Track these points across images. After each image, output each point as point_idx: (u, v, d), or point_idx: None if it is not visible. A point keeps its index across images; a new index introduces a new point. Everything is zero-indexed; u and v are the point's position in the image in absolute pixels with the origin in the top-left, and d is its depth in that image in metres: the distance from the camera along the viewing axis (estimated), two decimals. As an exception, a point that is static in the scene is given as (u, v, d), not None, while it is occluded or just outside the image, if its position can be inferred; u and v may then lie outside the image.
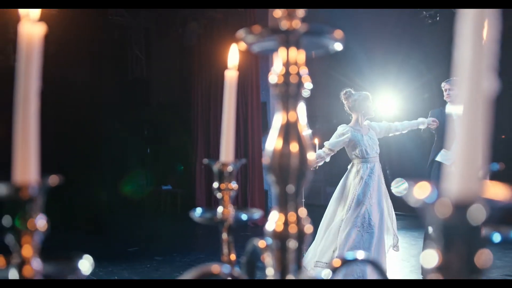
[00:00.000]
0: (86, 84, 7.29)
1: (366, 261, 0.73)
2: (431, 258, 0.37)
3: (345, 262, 0.69)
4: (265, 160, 0.62)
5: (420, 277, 4.52)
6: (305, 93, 0.62)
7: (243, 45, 0.63)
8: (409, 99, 7.79)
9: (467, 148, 0.37)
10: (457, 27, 0.39)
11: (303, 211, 0.62)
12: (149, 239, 6.89)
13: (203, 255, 5.74)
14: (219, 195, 0.86)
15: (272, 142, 0.61)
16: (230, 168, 0.86)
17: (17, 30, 0.50)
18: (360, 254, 0.71)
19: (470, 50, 0.38)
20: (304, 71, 0.62)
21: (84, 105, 7.47)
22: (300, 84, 0.61)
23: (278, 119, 0.62)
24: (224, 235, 0.84)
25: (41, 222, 0.49)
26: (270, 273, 0.62)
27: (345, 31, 0.67)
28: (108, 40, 8.91)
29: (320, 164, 3.97)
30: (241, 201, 8.20)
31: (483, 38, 0.38)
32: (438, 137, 4.46)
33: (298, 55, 0.61)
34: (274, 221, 0.61)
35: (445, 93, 4.43)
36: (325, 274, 0.66)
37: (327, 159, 3.98)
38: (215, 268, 0.69)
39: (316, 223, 3.42)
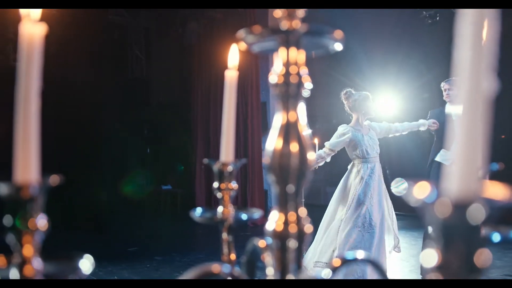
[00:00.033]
0: (86, 84, 7.29)
1: (366, 261, 0.73)
2: (431, 257, 0.37)
3: (345, 261, 0.69)
4: (265, 160, 0.62)
5: (419, 277, 4.52)
6: (305, 93, 0.62)
7: (243, 45, 0.63)
8: (409, 99, 7.80)
9: (466, 148, 0.37)
10: (457, 27, 0.39)
11: (303, 211, 0.62)
12: (149, 239, 6.89)
13: (203, 255, 5.74)
14: (219, 195, 0.86)
15: (272, 142, 0.61)
16: (230, 168, 0.86)
17: (17, 30, 0.50)
18: (360, 254, 0.71)
19: (470, 50, 0.38)
20: (304, 71, 0.62)
21: (84, 105, 7.46)
22: (300, 84, 0.61)
23: (278, 119, 0.62)
24: (224, 235, 0.84)
25: (42, 221, 0.49)
26: (270, 272, 0.62)
27: (345, 31, 0.67)
28: (108, 40, 8.91)
29: (321, 164, 3.96)
30: (241, 201, 8.20)
31: (483, 38, 0.38)
32: (437, 137, 4.46)
33: (298, 55, 0.61)
34: (274, 220, 0.61)
35: (444, 93, 4.43)
36: (325, 273, 0.66)
37: (328, 159, 3.97)
38: (216, 267, 0.69)
39: (316, 223, 3.42)
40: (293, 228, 0.60)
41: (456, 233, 0.36)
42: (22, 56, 0.49)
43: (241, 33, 0.61)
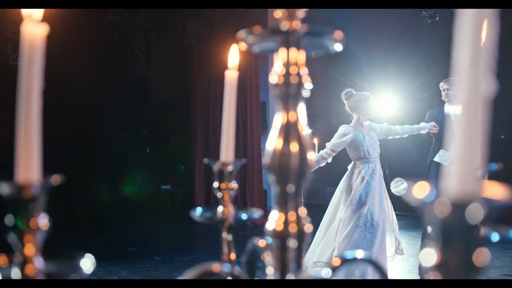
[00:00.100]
0: (86, 84, 7.29)
1: (366, 260, 0.74)
2: (430, 257, 0.38)
3: (345, 261, 0.70)
4: (266, 159, 0.62)
5: (418, 277, 4.53)
6: (305, 93, 0.63)
7: (243, 46, 0.63)
8: (409, 98, 7.80)
9: (465, 148, 0.37)
10: (456, 27, 0.39)
11: (303, 211, 0.62)
12: (149, 238, 6.89)
13: (202, 254, 5.74)
14: (219, 194, 0.86)
15: (273, 142, 0.62)
16: (230, 168, 0.86)
17: (17, 29, 0.50)
18: (360, 254, 0.71)
19: (469, 50, 0.38)
20: (304, 71, 0.62)
21: (84, 105, 7.47)
22: (300, 85, 0.61)
23: (278, 119, 0.62)
24: (224, 234, 0.84)
25: (43, 221, 0.49)
26: (270, 272, 0.63)
27: (345, 31, 0.68)
28: (108, 40, 8.91)
29: (323, 165, 3.95)
30: (240, 201, 8.21)
31: (482, 38, 0.38)
32: (436, 137, 4.45)
33: (298, 55, 0.62)
34: (274, 220, 0.62)
35: (443, 93, 4.43)
36: (325, 273, 0.67)
37: (329, 160, 3.96)
38: (216, 267, 0.69)
39: (315, 223, 3.42)
40: (293, 228, 0.61)
41: (455, 233, 0.36)
42: (24, 56, 0.50)
43: (241, 33, 0.61)
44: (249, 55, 0.91)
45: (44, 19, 0.51)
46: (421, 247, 4.57)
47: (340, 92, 4.09)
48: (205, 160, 0.92)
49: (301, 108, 0.62)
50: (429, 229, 0.38)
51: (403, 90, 7.84)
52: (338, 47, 0.63)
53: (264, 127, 8.25)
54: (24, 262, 0.48)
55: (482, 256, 0.36)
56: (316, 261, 3.82)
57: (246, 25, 7.46)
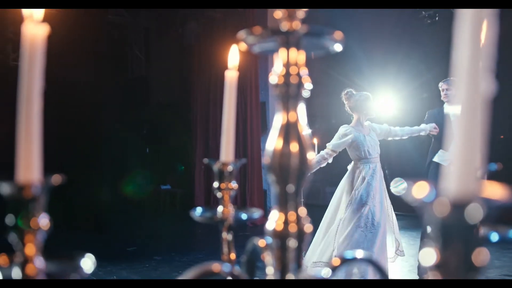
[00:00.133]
0: (86, 84, 7.29)
1: (366, 260, 0.74)
2: (430, 256, 0.38)
3: (345, 261, 0.70)
4: (266, 160, 0.62)
5: (417, 277, 4.53)
6: (305, 93, 0.63)
7: (243, 46, 0.63)
8: (408, 98, 7.79)
9: (465, 148, 0.37)
10: (456, 27, 0.39)
11: (303, 211, 0.62)
12: (148, 238, 6.89)
13: (202, 254, 5.74)
14: (219, 194, 0.86)
15: (273, 142, 0.62)
16: (230, 168, 0.86)
17: (17, 29, 0.50)
18: (360, 253, 0.71)
19: (468, 50, 0.38)
20: (304, 71, 0.62)
21: (84, 105, 7.47)
22: (300, 85, 0.62)
23: (278, 119, 0.62)
24: (224, 234, 0.85)
25: (43, 221, 0.50)
26: (270, 272, 0.63)
27: (345, 31, 0.68)
28: (108, 40, 8.91)
29: (323, 165, 3.94)
30: (240, 201, 8.21)
31: (481, 38, 0.38)
32: (436, 137, 4.45)
33: (298, 56, 0.62)
34: (274, 220, 0.62)
35: (442, 93, 4.42)
36: (325, 273, 0.67)
37: (330, 160, 3.95)
38: (216, 266, 0.69)
39: (315, 223, 3.42)
40: (293, 228, 0.61)
41: (455, 233, 0.37)
42: (25, 56, 0.50)
43: (241, 33, 0.61)
44: (249, 55, 0.91)
45: (45, 19, 0.51)
46: (421, 247, 4.57)
47: (340, 92, 4.09)
48: (205, 160, 0.92)
49: (301, 108, 0.63)
50: (429, 229, 0.38)
51: (403, 90, 7.84)
52: (338, 47, 0.63)
53: (264, 127, 8.25)
54: (25, 262, 0.49)
55: (481, 256, 0.37)
56: (316, 261, 3.82)
57: (246, 25, 7.46)
